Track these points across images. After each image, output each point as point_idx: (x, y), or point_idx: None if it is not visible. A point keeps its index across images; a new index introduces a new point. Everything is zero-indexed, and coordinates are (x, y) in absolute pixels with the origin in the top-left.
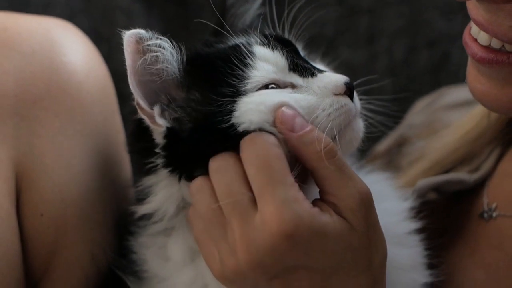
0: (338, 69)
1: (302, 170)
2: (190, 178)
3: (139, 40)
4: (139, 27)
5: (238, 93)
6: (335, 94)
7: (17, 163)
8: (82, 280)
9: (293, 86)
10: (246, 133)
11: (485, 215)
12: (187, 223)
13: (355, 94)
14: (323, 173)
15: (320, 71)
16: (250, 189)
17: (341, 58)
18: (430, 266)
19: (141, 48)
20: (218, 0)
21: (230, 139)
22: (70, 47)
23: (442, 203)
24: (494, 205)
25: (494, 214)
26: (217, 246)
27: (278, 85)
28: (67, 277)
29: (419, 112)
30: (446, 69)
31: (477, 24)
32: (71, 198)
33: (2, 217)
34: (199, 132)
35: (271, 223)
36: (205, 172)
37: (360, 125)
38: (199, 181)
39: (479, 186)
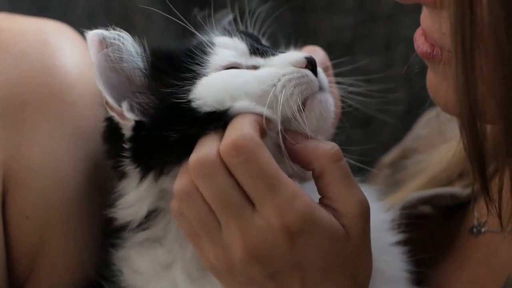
0: (354, 75)
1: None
2: (158, 175)
3: (102, 40)
4: (158, 29)
5: (197, 76)
6: (296, 67)
7: (4, 165)
8: (69, 285)
9: (255, 67)
10: (206, 114)
11: (475, 230)
12: (162, 230)
13: (320, 70)
14: (329, 177)
15: (283, 53)
16: (243, 192)
17: (358, 65)
18: (416, 279)
19: (105, 47)
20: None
21: (192, 121)
22: (63, 50)
23: (436, 217)
24: (483, 220)
25: (483, 230)
26: (212, 244)
27: (240, 68)
28: (53, 280)
29: (426, 123)
30: None
31: (423, 31)
32: (58, 201)
33: None
34: (162, 118)
35: (273, 222)
36: (173, 165)
37: (328, 99)
38: (183, 187)
39: (471, 201)
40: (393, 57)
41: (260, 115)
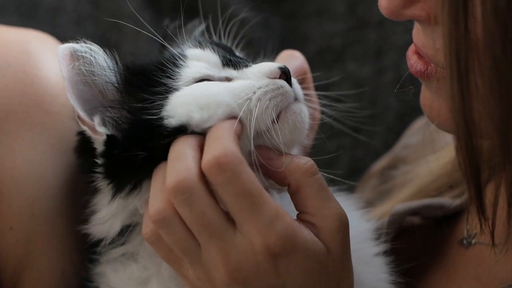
0: (344, 82)
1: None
2: (130, 193)
3: (73, 53)
4: (146, 35)
5: (169, 90)
6: (270, 78)
7: None
8: None
9: (228, 79)
10: (178, 130)
11: (465, 242)
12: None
13: (294, 80)
14: (305, 191)
15: (255, 63)
16: (224, 212)
17: (349, 71)
18: None
19: (76, 60)
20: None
21: (163, 137)
22: (46, 60)
23: (426, 228)
24: (474, 232)
25: (473, 242)
26: (193, 265)
27: (212, 80)
28: None
29: (416, 132)
30: None
31: (416, 47)
32: (42, 212)
33: None
34: (134, 132)
35: (255, 243)
36: (142, 181)
37: (303, 109)
38: (160, 212)
39: (462, 212)
40: (384, 64)
41: (234, 123)
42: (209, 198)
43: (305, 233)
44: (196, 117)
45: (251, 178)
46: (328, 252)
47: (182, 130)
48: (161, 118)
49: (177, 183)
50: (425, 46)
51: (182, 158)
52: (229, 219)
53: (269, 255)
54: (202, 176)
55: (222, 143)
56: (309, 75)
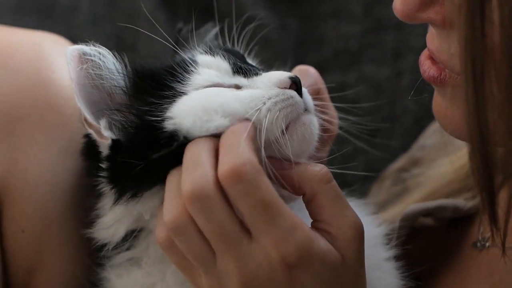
0: (361, 84)
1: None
2: (133, 199)
3: (82, 55)
4: (162, 35)
5: (177, 94)
6: (280, 88)
7: (0, 179)
8: None
9: (237, 87)
10: (184, 140)
11: (478, 244)
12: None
13: (305, 90)
14: (321, 199)
15: (266, 72)
16: (240, 221)
17: (365, 74)
18: None
19: (85, 63)
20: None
21: (168, 144)
22: (59, 62)
23: (438, 229)
24: (488, 235)
25: (487, 244)
26: (207, 274)
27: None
28: None
29: (432, 133)
30: None
31: (430, 52)
32: (53, 215)
33: None
34: (138, 135)
35: (271, 254)
36: (146, 190)
37: (312, 120)
38: (176, 220)
39: (475, 214)
40: (402, 66)
41: (247, 126)
42: (226, 206)
43: (322, 243)
44: (204, 126)
45: (269, 188)
46: (343, 261)
47: (184, 135)
48: (164, 120)
49: (194, 191)
50: (439, 51)
51: (198, 164)
52: (245, 228)
53: (285, 266)
54: (219, 184)
55: (239, 151)
56: (326, 94)
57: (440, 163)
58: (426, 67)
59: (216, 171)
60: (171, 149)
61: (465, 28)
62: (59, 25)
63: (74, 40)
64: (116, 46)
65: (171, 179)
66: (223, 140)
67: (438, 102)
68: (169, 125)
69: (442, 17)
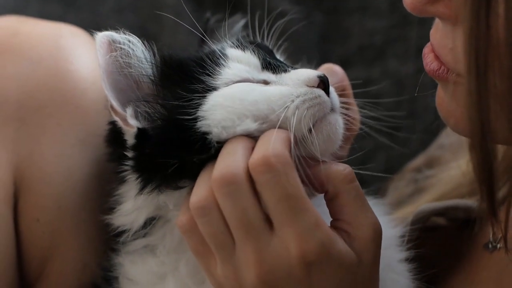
0: (385, 80)
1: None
2: (157, 189)
3: (112, 42)
4: (187, 27)
5: (207, 89)
6: (309, 86)
7: (17, 168)
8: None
9: (266, 82)
10: (219, 145)
11: (490, 246)
12: (159, 243)
13: (332, 89)
14: (343, 198)
15: (295, 68)
16: (264, 213)
17: (389, 69)
18: None
19: (114, 50)
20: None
21: (196, 140)
22: (78, 54)
23: (450, 230)
24: (499, 236)
25: (499, 246)
26: (223, 262)
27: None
28: (61, 284)
29: (451, 132)
30: None
31: (432, 47)
32: (68, 205)
33: None
34: (168, 129)
35: (291, 248)
36: (171, 180)
37: (338, 120)
38: (202, 202)
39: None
40: None
41: (287, 133)
42: (252, 195)
43: (340, 243)
44: (233, 126)
45: (297, 182)
46: (360, 262)
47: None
48: (196, 119)
49: (223, 175)
50: (440, 46)
51: (232, 154)
52: (268, 220)
53: (303, 262)
54: (249, 173)
55: (273, 144)
56: (350, 91)
57: (452, 166)
58: (429, 60)
59: (248, 161)
60: (209, 154)
61: (470, 19)
62: (83, 13)
63: (99, 28)
64: (140, 36)
65: (205, 171)
66: (261, 137)
67: (441, 96)
68: (201, 125)
69: (450, 11)
